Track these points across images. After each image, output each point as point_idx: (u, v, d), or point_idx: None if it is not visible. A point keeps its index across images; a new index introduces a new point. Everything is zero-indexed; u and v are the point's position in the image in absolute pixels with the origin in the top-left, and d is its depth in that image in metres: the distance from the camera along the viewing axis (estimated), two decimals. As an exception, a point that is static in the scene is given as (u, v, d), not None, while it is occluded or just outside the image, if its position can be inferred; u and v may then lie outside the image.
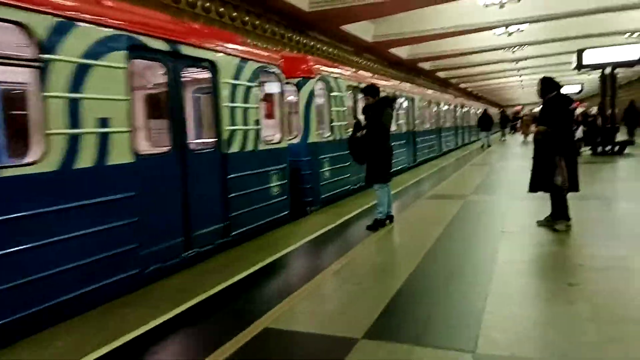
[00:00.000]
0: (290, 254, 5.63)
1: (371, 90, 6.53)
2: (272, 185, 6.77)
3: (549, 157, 5.88)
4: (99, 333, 3.61)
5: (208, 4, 11.91)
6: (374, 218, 6.69)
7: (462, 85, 42.95)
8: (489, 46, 23.47)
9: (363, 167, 8.26)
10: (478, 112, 27.43)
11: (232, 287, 4.48)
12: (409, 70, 28.03)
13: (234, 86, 5.91)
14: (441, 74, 33.11)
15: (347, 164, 8.91)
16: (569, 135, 6.08)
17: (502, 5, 16.11)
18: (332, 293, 4.27)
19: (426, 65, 28.67)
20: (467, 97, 40.35)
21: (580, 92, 32.47)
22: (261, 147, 6.51)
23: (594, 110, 17.73)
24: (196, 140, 5.99)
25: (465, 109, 25.98)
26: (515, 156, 17.98)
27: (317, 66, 8.74)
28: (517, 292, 4.07)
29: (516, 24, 18.72)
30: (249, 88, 6.20)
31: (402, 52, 23.59)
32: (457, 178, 12.13)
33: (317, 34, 17.13)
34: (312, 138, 8.29)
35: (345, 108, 9.59)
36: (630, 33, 21.67)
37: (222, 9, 12.40)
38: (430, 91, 19.86)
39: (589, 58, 14.87)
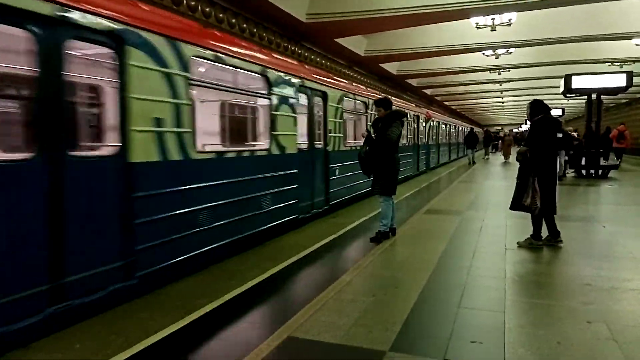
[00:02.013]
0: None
1: (384, 103, 6.57)
2: None
3: (524, 178, 6.12)
4: (117, 336, 3.54)
5: (208, 9, 11.87)
6: (378, 230, 6.72)
7: (447, 103, 43.61)
8: (477, 67, 23.92)
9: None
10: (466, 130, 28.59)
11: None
12: (397, 85, 28.35)
13: None
14: (427, 91, 33.57)
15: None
16: (545, 158, 6.13)
17: (493, 28, 16.43)
18: (348, 304, 4.24)
19: (414, 82, 29.05)
20: (452, 114, 41.05)
21: (561, 116, 33.36)
22: None
23: (575, 134, 18.26)
24: None
25: (460, 128, 27.45)
26: (501, 175, 18.31)
27: None
28: (533, 309, 4.11)
29: (505, 46, 19.13)
30: None
31: (392, 67, 23.86)
32: (449, 194, 12.26)
33: (311, 45, 17.21)
34: None
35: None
36: (611, 62, 22.38)
37: (221, 15, 12.37)
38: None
39: (575, 83, 15.31)
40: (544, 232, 6.36)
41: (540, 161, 6.07)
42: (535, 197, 5.98)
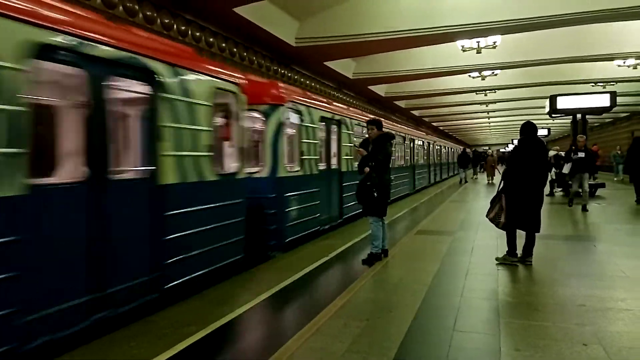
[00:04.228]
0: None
1: (378, 123, 6.62)
2: None
3: (497, 194, 6.57)
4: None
5: (198, 34, 11.95)
6: (369, 252, 6.66)
7: (435, 124, 44.11)
8: (463, 88, 24.28)
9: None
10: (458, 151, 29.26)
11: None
12: (386, 107, 28.65)
13: None
14: (415, 112, 33.95)
15: None
16: (516, 177, 6.35)
17: (479, 51, 16.73)
18: (342, 330, 4.16)
19: (402, 104, 29.38)
20: (440, 135, 41.43)
21: (547, 135, 33.89)
22: None
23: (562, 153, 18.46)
24: None
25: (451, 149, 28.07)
26: (490, 195, 18.41)
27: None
28: (528, 331, 4.06)
29: (491, 68, 19.46)
30: None
31: (380, 89, 24.13)
32: (439, 214, 12.27)
33: (301, 68, 17.38)
34: None
35: None
36: (594, 83, 22.84)
37: (211, 39, 12.46)
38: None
39: (561, 104, 15.59)
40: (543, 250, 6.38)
41: (512, 180, 6.38)
42: (500, 212, 6.38)
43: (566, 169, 13.46)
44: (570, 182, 13.99)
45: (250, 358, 3.70)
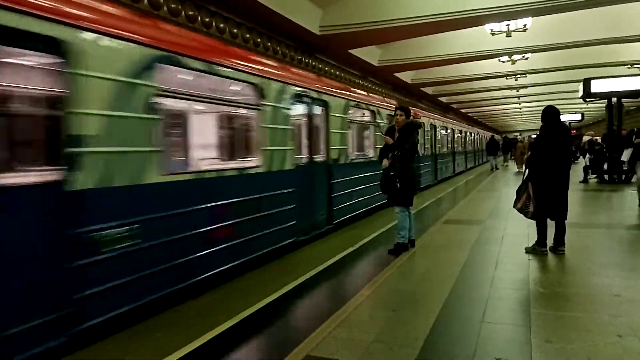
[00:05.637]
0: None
1: (407, 109, 6.51)
2: None
3: (523, 183, 6.46)
4: (133, 356, 3.50)
5: (222, 25, 11.98)
6: (396, 242, 6.59)
7: (463, 110, 43.27)
8: (493, 73, 23.69)
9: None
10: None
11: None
12: (412, 94, 28.24)
13: None
14: (443, 99, 33.37)
15: None
16: (540, 164, 6.19)
17: (509, 34, 16.25)
18: (368, 320, 4.14)
19: (429, 90, 28.90)
20: (468, 122, 40.70)
21: (581, 120, 32.84)
22: None
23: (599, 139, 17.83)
24: None
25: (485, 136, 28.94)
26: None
27: None
28: (561, 323, 3.95)
29: (521, 52, 18.91)
30: None
31: (406, 76, 23.78)
32: (468, 203, 12.06)
33: (325, 56, 17.25)
34: None
35: None
36: (630, 65, 21.92)
37: (235, 30, 12.48)
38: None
39: (595, 87, 15.03)
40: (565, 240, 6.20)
41: (536, 167, 6.24)
42: (528, 201, 6.28)
43: (625, 155, 11.53)
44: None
45: (276, 348, 3.72)
